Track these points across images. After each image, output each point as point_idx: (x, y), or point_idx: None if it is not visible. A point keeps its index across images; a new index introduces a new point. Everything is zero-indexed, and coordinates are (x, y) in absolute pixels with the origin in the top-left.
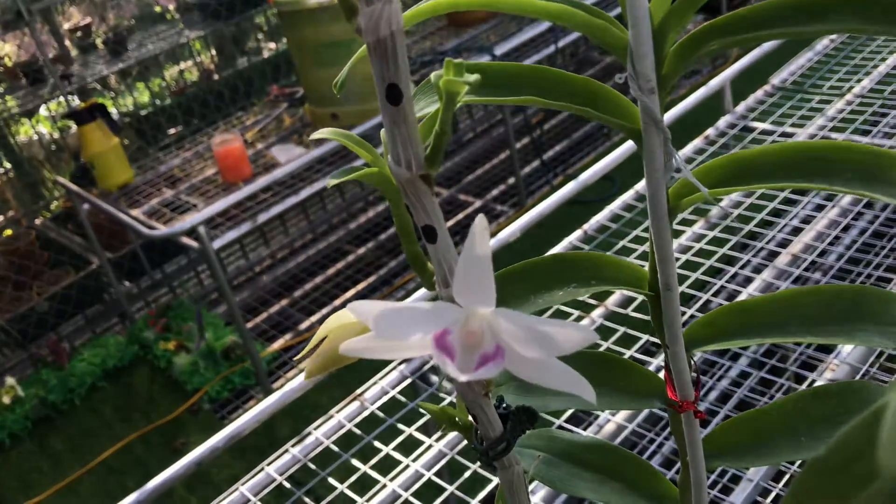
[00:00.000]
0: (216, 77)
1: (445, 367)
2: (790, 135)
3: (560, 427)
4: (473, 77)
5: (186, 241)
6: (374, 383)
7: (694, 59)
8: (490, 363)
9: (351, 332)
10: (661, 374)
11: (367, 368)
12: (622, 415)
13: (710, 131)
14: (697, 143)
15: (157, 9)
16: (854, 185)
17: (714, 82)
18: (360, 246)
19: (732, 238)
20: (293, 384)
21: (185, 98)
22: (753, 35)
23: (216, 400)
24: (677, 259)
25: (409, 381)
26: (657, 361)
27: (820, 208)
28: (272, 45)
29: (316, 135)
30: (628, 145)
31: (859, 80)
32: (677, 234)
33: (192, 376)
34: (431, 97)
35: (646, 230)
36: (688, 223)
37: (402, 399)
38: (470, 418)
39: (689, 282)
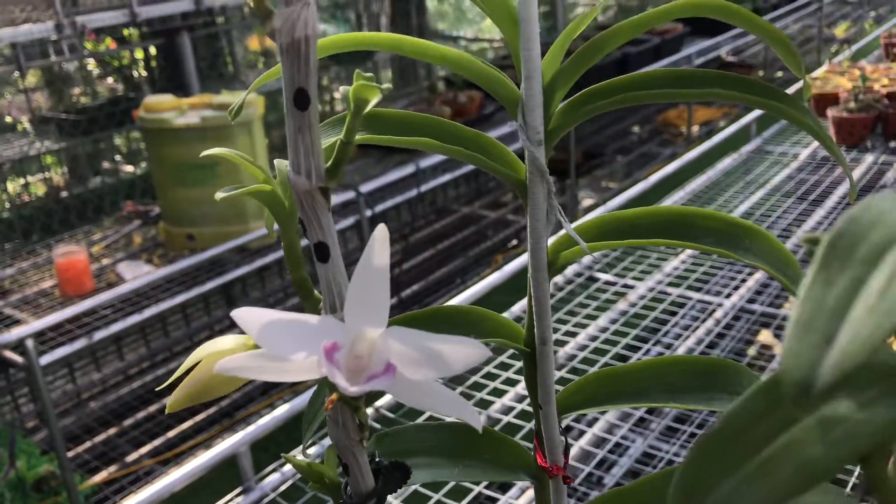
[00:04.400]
0: (64, 195)
1: (335, 377)
2: (631, 286)
3: None
4: (385, 85)
5: (10, 356)
6: None
7: (578, 118)
8: (382, 377)
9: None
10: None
11: None
12: None
13: (558, 278)
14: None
15: (9, 119)
16: (717, 247)
17: (562, 232)
18: None
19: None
20: None
21: (27, 210)
22: (632, 95)
23: None
24: (586, 346)
25: None
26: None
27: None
28: (130, 168)
29: (207, 152)
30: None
31: None
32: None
33: None
34: (334, 132)
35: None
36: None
37: None
38: (338, 474)
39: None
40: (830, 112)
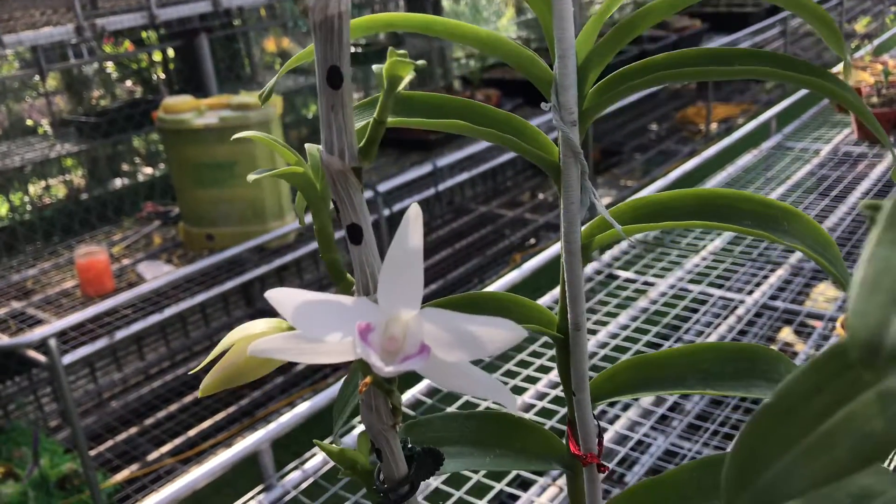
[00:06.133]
0: (85, 196)
1: (369, 357)
2: (652, 284)
3: None
4: (419, 62)
5: (33, 355)
6: None
7: (613, 98)
8: (415, 357)
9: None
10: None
11: None
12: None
13: None
14: None
15: (30, 122)
16: (755, 228)
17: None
18: None
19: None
20: None
21: (48, 211)
22: (667, 73)
23: None
24: (606, 344)
25: None
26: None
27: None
28: (149, 169)
29: (238, 135)
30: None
31: (712, 240)
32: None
33: None
34: (367, 115)
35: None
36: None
37: None
38: (371, 460)
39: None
40: None
